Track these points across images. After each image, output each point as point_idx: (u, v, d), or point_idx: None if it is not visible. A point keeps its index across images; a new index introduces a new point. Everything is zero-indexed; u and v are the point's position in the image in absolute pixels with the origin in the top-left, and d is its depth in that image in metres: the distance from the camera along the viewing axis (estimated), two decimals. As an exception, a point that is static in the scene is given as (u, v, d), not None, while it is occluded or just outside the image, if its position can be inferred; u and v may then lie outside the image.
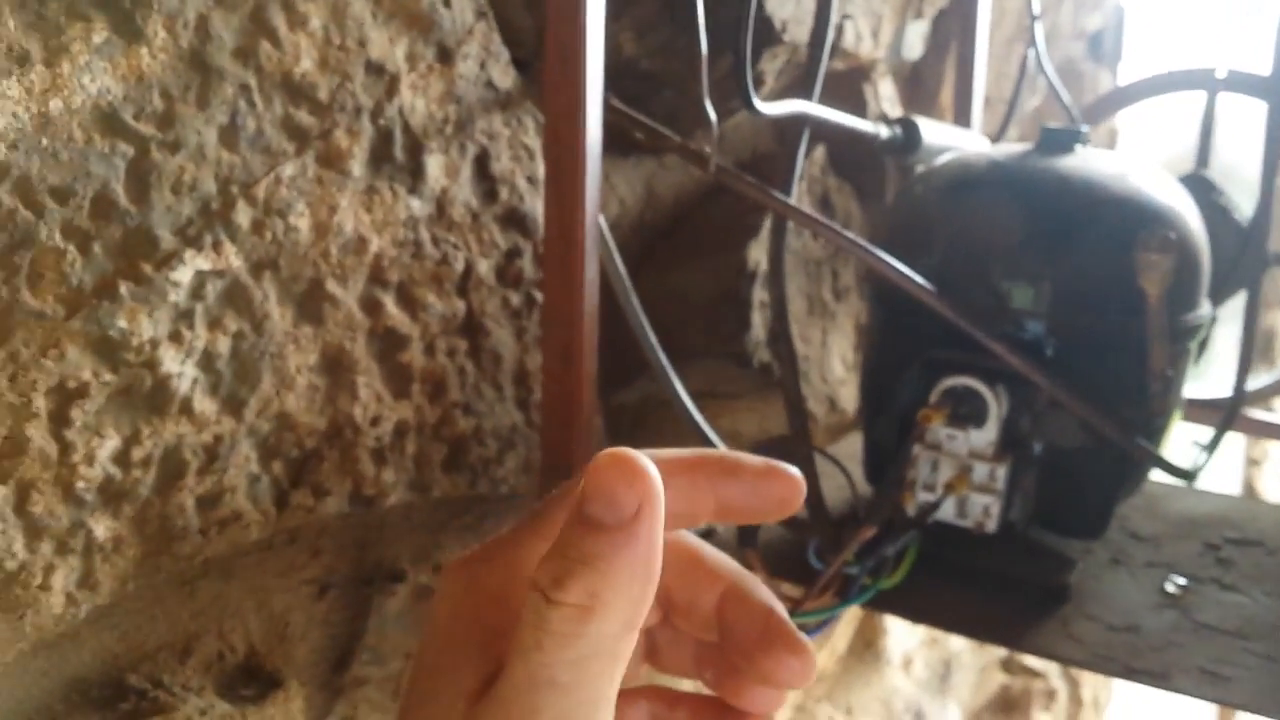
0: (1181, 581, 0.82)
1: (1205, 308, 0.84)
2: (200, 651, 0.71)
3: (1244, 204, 1.10)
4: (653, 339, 0.89)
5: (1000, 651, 2.30)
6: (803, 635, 0.35)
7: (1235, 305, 0.96)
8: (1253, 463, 2.79)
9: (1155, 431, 0.80)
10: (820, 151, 1.16)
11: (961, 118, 1.27)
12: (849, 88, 1.24)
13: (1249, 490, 2.78)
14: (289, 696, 0.73)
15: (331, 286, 0.67)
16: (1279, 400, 1.36)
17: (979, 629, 0.74)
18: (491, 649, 0.31)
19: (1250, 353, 0.92)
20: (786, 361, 0.76)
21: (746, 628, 0.36)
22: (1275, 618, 0.76)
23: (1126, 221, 0.77)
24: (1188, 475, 0.81)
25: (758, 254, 1.01)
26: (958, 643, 1.88)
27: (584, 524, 0.27)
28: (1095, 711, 2.66)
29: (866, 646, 1.47)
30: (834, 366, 1.24)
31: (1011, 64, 1.53)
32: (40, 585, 0.56)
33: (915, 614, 0.75)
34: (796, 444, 0.75)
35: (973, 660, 2.07)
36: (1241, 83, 1.26)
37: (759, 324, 1.02)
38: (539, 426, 0.86)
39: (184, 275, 0.59)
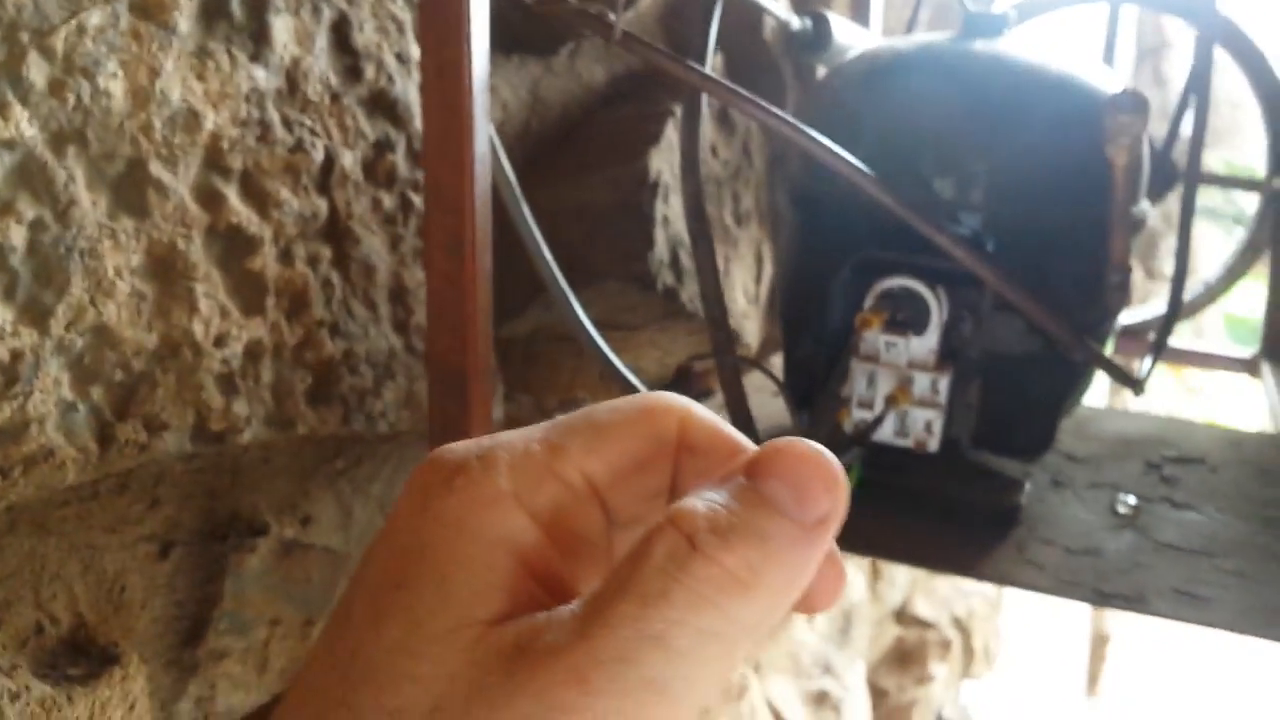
0: (1132, 501, 0.75)
1: (1144, 205, 0.78)
2: (12, 623, 0.58)
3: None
4: (549, 257, 0.79)
5: (894, 603, 2.28)
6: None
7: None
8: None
9: (1103, 336, 0.74)
10: (718, 60, 1.07)
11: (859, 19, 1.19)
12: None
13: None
14: (128, 674, 0.60)
15: (157, 169, 0.55)
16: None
17: (931, 558, 0.66)
18: (511, 573, 0.25)
19: (1186, 260, 0.86)
20: (705, 264, 0.66)
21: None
22: (1237, 534, 0.70)
23: (1077, 102, 0.70)
24: (1137, 384, 0.75)
25: (659, 163, 0.91)
26: (856, 594, 1.83)
27: (761, 499, 0.24)
28: (986, 661, 2.66)
29: (773, 599, 1.40)
30: (736, 298, 1.16)
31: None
32: None
33: (861, 546, 0.67)
34: (721, 356, 0.65)
35: (870, 613, 2.02)
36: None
37: (662, 242, 0.92)
38: (422, 353, 0.74)
39: (-43, 141, 0.46)
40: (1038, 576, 0.64)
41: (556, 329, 0.95)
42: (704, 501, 0.24)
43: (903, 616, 2.36)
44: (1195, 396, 3.81)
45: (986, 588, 2.65)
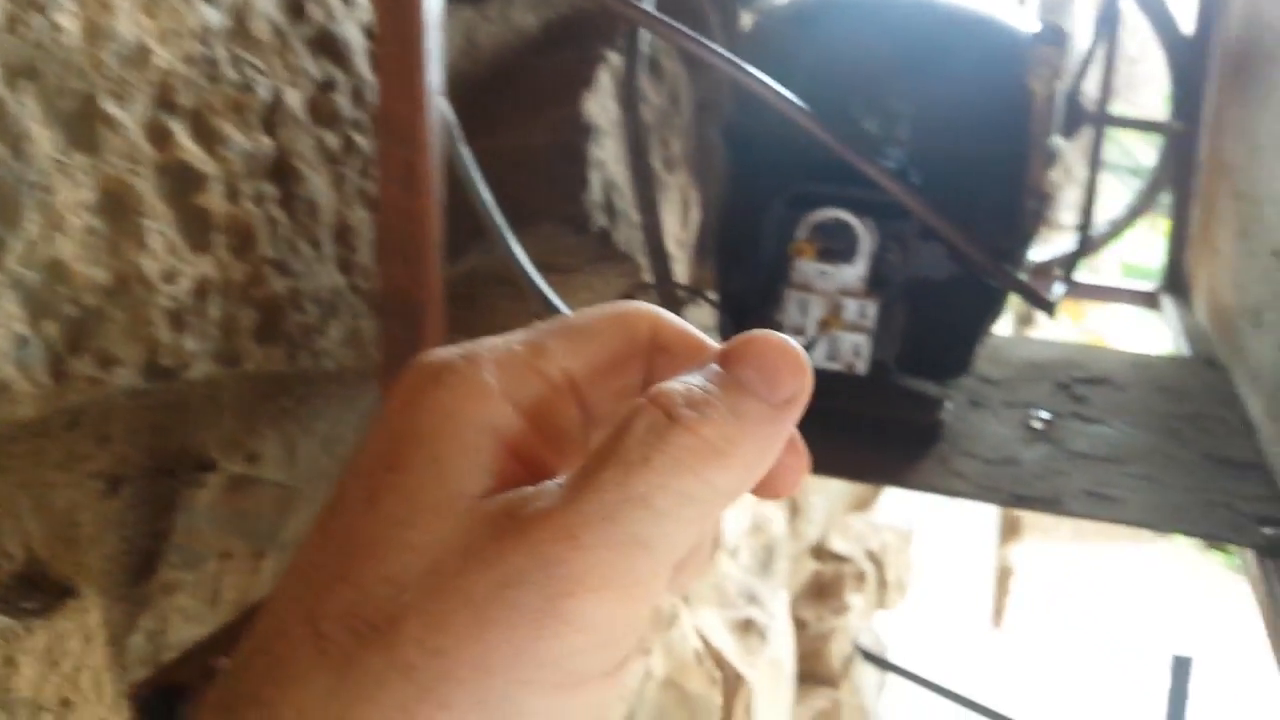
0: (1045, 416, 0.80)
1: (1057, 140, 0.82)
2: (-32, 560, 0.58)
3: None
4: (489, 199, 0.80)
5: (812, 539, 2.35)
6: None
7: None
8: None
9: (1018, 262, 0.78)
10: (644, 4, 1.08)
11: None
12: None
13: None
14: (85, 607, 0.61)
15: (108, 105, 0.55)
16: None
17: (864, 471, 0.70)
18: (498, 456, 0.27)
19: (1095, 186, 0.91)
20: (644, 196, 0.69)
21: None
22: (1143, 444, 0.76)
23: (998, 41, 0.73)
24: (1050, 306, 0.79)
25: (594, 107, 0.93)
26: (778, 529, 1.89)
27: (734, 381, 0.26)
28: (899, 591, 2.76)
29: (701, 534, 1.44)
30: (665, 242, 1.18)
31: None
32: None
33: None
34: (661, 284, 0.68)
35: (789, 548, 2.09)
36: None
37: (596, 184, 0.94)
38: (365, 292, 0.76)
39: (-89, 73, 0.46)
40: (960, 484, 0.69)
41: (493, 272, 0.97)
42: (681, 384, 0.26)
43: (820, 552, 2.44)
44: (1092, 340, 3.97)
45: (898, 523, 2.74)
